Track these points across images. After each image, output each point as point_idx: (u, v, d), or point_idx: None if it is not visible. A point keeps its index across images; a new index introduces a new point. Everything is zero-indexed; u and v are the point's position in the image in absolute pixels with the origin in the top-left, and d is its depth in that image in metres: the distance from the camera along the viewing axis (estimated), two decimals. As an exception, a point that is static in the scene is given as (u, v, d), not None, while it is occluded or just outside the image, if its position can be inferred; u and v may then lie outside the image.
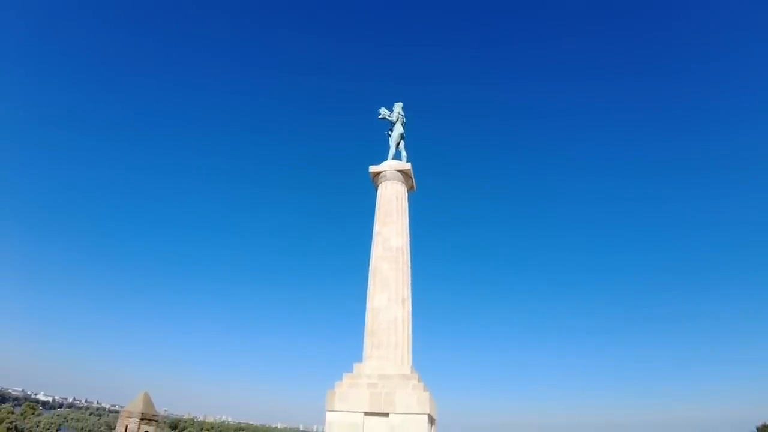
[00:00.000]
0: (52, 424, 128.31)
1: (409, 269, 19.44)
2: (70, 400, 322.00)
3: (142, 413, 27.40)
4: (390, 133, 22.18)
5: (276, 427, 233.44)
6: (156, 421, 28.62)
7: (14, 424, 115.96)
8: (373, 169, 21.12)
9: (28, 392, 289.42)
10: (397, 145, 21.87)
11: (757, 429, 45.21)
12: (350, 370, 17.78)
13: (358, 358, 18.39)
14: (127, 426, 27.08)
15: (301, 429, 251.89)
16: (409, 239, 20.00)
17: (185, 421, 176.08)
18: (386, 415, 15.91)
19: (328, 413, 16.46)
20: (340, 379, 17.55)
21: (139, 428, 27.14)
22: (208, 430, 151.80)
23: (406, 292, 18.81)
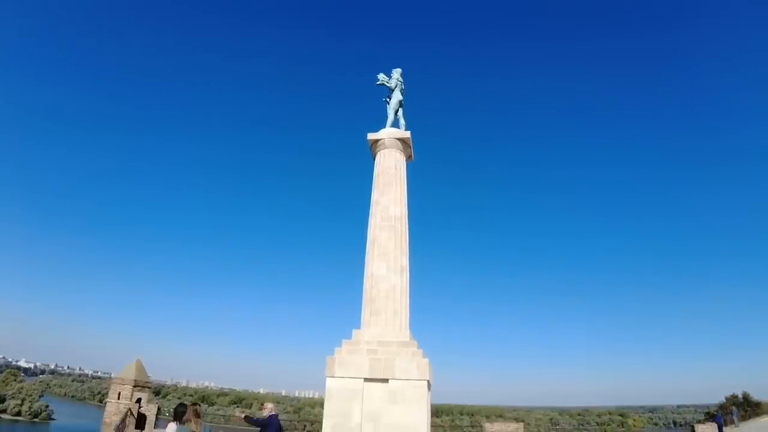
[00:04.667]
0: (34, 390, 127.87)
1: (407, 238, 19.45)
2: (52, 367, 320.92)
3: (135, 380, 27.37)
4: (388, 100, 21.71)
5: (258, 392, 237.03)
6: (149, 388, 28.69)
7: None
8: (371, 136, 20.75)
9: (9, 359, 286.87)
10: (396, 112, 21.43)
11: (726, 399, 47.66)
12: (348, 336, 17.89)
13: (355, 326, 18.45)
14: (120, 393, 27.04)
15: (283, 394, 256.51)
16: (407, 208, 19.94)
17: (168, 387, 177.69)
18: (386, 381, 16.13)
19: (327, 379, 16.57)
20: (339, 345, 17.61)
21: (132, 395, 27.15)
22: (190, 395, 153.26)
23: (405, 261, 18.86)
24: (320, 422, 16.59)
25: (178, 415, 8.44)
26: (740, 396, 47.83)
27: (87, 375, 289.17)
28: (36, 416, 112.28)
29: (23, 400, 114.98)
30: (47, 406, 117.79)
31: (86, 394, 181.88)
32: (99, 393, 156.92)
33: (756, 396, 48.00)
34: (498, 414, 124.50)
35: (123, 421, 22.62)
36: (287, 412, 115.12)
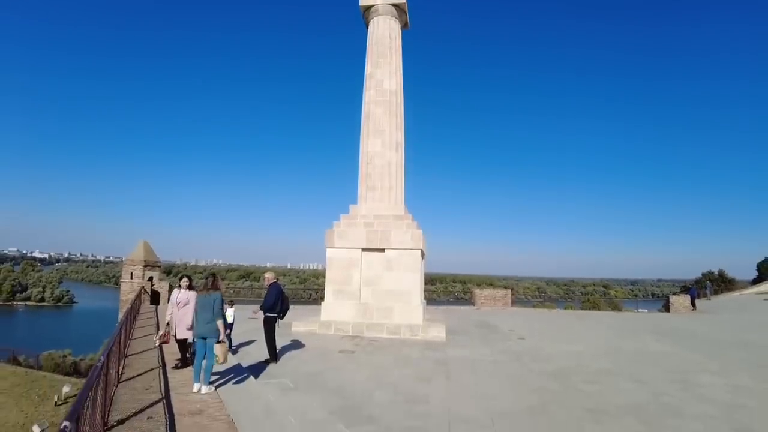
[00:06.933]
0: (53, 277, 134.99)
1: (403, 113, 18.96)
2: (66, 256, 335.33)
3: (145, 260, 28.75)
4: (380, -43, 19.57)
5: (265, 266, 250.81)
6: (159, 266, 30.22)
7: (17, 281, 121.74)
8: (363, 2, 19.00)
9: (24, 251, 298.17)
10: (389, -28, 19.45)
11: (702, 275, 50.83)
12: (346, 212, 18.37)
13: (352, 202, 18.78)
14: (132, 273, 28.55)
15: (288, 267, 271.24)
16: (402, 82, 19.13)
17: (178, 266, 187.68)
18: (382, 250, 16.94)
19: (328, 250, 17.36)
20: (338, 220, 18.15)
21: (144, 274, 28.68)
22: (200, 273, 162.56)
23: (400, 137, 18.61)
24: (324, 290, 17.71)
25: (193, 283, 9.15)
26: (716, 273, 51.15)
27: (100, 260, 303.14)
28: (59, 301, 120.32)
29: (44, 287, 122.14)
30: (68, 291, 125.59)
31: (102, 278, 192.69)
32: (113, 276, 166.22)
33: (731, 274, 51.44)
34: (488, 282, 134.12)
35: (138, 298, 24.18)
36: (293, 284, 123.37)
